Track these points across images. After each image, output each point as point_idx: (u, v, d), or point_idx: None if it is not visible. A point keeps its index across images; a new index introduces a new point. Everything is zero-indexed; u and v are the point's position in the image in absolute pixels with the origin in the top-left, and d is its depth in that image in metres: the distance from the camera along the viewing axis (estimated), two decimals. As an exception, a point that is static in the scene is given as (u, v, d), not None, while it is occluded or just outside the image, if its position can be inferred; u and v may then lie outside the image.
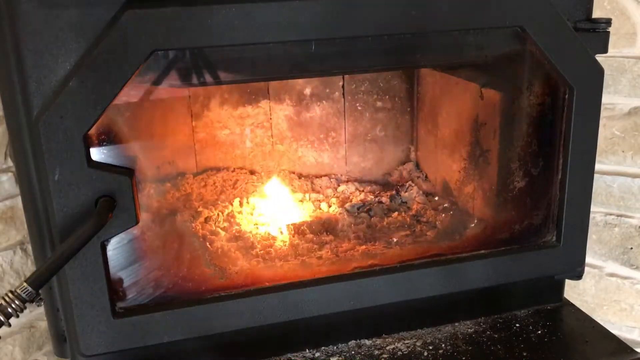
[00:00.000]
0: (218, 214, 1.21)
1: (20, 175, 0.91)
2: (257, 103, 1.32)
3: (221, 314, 0.96)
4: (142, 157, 0.97)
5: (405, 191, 1.35)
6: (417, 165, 1.44)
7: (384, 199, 1.33)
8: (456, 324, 1.12)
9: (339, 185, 1.39)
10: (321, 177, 1.40)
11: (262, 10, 0.84)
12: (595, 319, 1.15)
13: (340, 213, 1.28)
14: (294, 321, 1.00)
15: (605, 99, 1.08)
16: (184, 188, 1.26)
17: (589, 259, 1.21)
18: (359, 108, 1.38)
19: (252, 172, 1.36)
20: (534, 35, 0.96)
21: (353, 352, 1.05)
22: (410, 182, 1.38)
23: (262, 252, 1.11)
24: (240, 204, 1.28)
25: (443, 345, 1.06)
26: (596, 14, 1.00)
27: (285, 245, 1.15)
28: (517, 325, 1.12)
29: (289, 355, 1.05)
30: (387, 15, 0.89)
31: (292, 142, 1.37)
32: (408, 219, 1.24)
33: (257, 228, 1.20)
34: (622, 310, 1.30)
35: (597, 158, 1.07)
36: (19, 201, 1.07)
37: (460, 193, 1.25)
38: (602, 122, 1.06)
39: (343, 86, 1.35)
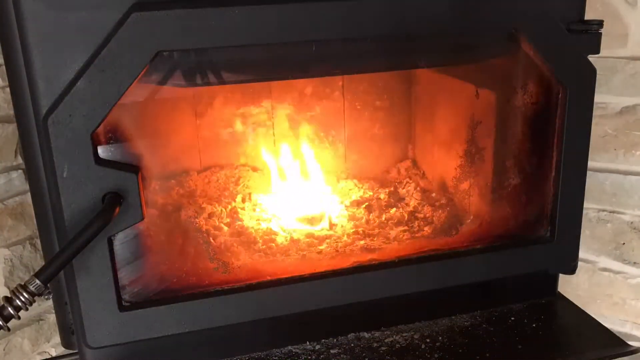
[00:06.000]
0: (221, 210, 1.22)
1: (30, 173, 0.93)
2: (260, 102, 1.33)
3: (224, 307, 0.98)
4: (148, 155, 0.98)
5: (403, 188, 1.36)
6: (415, 163, 1.45)
7: (382, 196, 1.34)
8: (453, 317, 1.14)
9: (338, 182, 1.41)
10: (321, 174, 1.41)
11: (265, 12, 0.85)
12: (589, 313, 1.16)
13: (339, 209, 1.30)
14: (294, 314, 1.01)
15: (598, 98, 1.08)
16: (188, 185, 1.27)
17: (582, 254, 1.22)
18: (358, 107, 1.40)
19: (254, 169, 1.38)
20: (528, 36, 0.97)
21: (352, 345, 1.06)
22: (407, 179, 1.39)
23: (263, 247, 1.13)
24: (243, 200, 1.30)
25: (440, 337, 1.08)
26: (588, 15, 1.01)
27: (286, 241, 1.16)
28: (512, 318, 1.13)
29: (290, 347, 1.06)
30: (385, 18, 0.90)
31: (293, 140, 1.38)
32: (406, 215, 1.25)
33: (259, 224, 1.22)
34: (614, 304, 1.31)
35: (590, 156, 1.08)
36: (28, 197, 1.09)
37: (456, 190, 1.26)
38: (594, 120, 1.07)
39: (343, 86, 1.36)
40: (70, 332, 1.02)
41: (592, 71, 1.02)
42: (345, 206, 1.31)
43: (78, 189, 0.85)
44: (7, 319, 0.79)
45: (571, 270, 1.15)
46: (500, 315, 1.14)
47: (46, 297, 0.89)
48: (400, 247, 1.13)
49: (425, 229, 1.20)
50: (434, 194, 1.33)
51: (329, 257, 1.10)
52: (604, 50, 1.02)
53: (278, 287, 1.00)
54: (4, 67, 0.90)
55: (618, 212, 1.27)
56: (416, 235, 1.19)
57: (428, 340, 1.07)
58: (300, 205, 1.28)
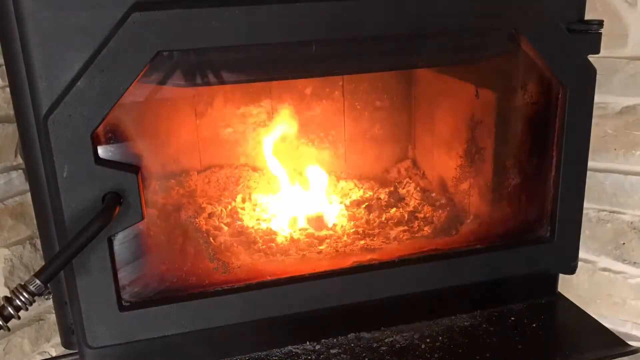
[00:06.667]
0: (221, 210, 1.23)
1: (30, 173, 0.93)
2: (260, 102, 1.33)
3: (224, 307, 0.98)
4: (148, 155, 0.98)
5: (403, 188, 1.36)
6: (415, 163, 1.45)
7: (382, 196, 1.34)
8: (453, 317, 1.14)
9: (338, 182, 1.41)
10: (321, 174, 1.41)
11: (264, 12, 0.85)
12: (589, 313, 1.16)
13: (340, 209, 1.30)
14: (294, 314, 1.02)
15: (598, 98, 1.08)
16: (188, 185, 1.27)
17: (582, 254, 1.22)
18: (358, 107, 1.40)
19: (254, 169, 1.38)
20: (528, 36, 0.97)
21: (352, 345, 1.06)
22: (407, 179, 1.39)
23: (263, 247, 1.13)
24: (243, 200, 1.30)
25: (440, 337, 1.08)
26: (588, 15, 1.01)
27: (286, 241, 1.16)
28: (512, 318, 1.13)
29: (290, 347, 1.06)
30: (384, 17, 0.91)
31: (293, 139, 1.38)
32: (406, 215, 1.25)
33: (259, 224, 1.22)
34: (614, 304, 1.32)
35: (590, 156, 1.08)
36: (28, 197, 1.09)
37: (456, 190, 1.26)
38: (594, 120, 1.07)
39: (343, 86, 1.37)
40: (70, 332, 1.03)
41: (592, 71, 1.02)
42: (345, 206, 1.31)
43: (78, 189, 0.86)
44: (7, 319, 0.79)
45: (571, 270, 1.15)
46: (500, 315, 1.14)
47: (46, 297, 0.90)
48: (400, 247, 1.13)
49: (425, 229, 1.21)
50: (434, 194, 1.33)
51: (329, 257, 1.10)
52: (604, 50, 1.02)
53: (278, 287, 1.00)
54: (4, 67, 0.90)
55: (618, 212, 1.28)
56: (416, 235, 1.19)
57: (428, 340, 1.07)
58: (300, 205, 1.28)
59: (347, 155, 1.43)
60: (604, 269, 1.31)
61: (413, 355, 1.03)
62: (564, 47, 1.00)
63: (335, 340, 1.08)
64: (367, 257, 1.08)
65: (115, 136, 0.93)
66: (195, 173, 1.32)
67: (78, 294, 0.91)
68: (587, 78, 1.03)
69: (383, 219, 1.24)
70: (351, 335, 1.09)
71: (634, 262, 1.28)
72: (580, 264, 1.17)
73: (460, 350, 1.04)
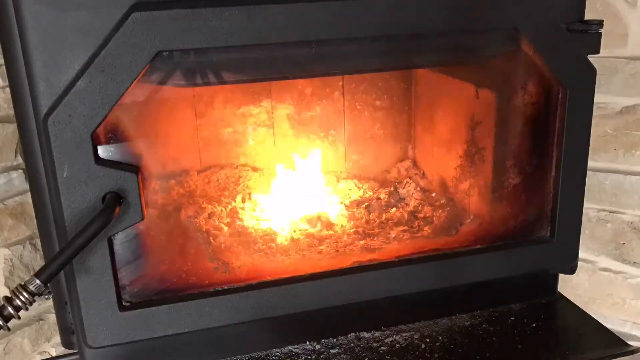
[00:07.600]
0: (221, 210, 1.22)
1: (30, 172, 0.93)
2: (260, 102, 1.33)
3: (224, 307, 0.98)
4: (148, 155, 0.98)
5: (403, 188, 1.36)
6: (415, 163, 1.45)
7: (382, 196, 1.34)
8: (453, 317, 1.14)
9: (338, 182, 1.41)
10: (321, 174, 1.41)
11: (265, 12, 0.86)
12: (589, 313, 1.16)
13: (340, 209, 1.30)
14: (294, 314, 1.02)
15: (598, 98, 1.09)
16: (188, 185, 1.27)
17: (582, 254, 1.22)
18: (358, 107, 1.40)
19: (254, 169, 1.38)
20: (528, 36, 0.97)
21: (352, 345, 1.07)
22: (408, 179, 1.39)
23: (263, 247, 1.13)
24: (243, 200, 1.30)
25: (440, 337, 1.08)
26: (588, 15, 1.01)
27: (286, 241, 1.16)
28: (512, 318, 1.13)
29: (290, 347, 1.06)
30: (384, 17, 0.91)
31: (293, 139, 1.38)
32: (406, 215, 1.25)
33: (259, 224, 1.22)
34: (614, 304, 1.32)
35: (590, 156, 1.08)
36: (28, 197, 1.09)
37: (456, 190, 1.26)
38: (594, 120, 1.07)
39: (343, 86, 1.37)
40: (70, 332, 1.03)
41: (592, 71, 1.02)
42: (345, 206, 1.31)
43: (78, 188, 0.86)
44: (7, 318, 0.79)
45: (571, 270, 1.15)
46: (500, 315, 1.14)
47: (46, 297, 0.89)
48: (400, 247, 1.13)
49: (425, 229, 1.21)
50: (434, 194, 1.33)
51: (329, 257, 1.10)
52: (604, 50, 1.02)
53: (278, 287, 1.00)
54: (4, 67, 0.90)
55: (618, 212, 1.28)
56: (416, 235, 1.19)
57: (428, 340, 1.08)
58: (301, 206, 1.28)
59: (347, 155, 1.43)
60: (604, 269, 1.31)
61: (413, 355, 1.03)
62: (564, 47, 1.00)
63: (335, 340, 1.08)
64: (367, 257, 1.08)
65: (115, 136, 0.93)
66: (195, 173, 1.32)
67: (78, 294, 0.91)
68: (587, 78, 1.03)
69: (383, 219, 1.24)
70: (351, 335, 1.09)
71: (634, 262, 1.28)
72: (580, 264, 1.17)
73: (460, 350, 1.05)
